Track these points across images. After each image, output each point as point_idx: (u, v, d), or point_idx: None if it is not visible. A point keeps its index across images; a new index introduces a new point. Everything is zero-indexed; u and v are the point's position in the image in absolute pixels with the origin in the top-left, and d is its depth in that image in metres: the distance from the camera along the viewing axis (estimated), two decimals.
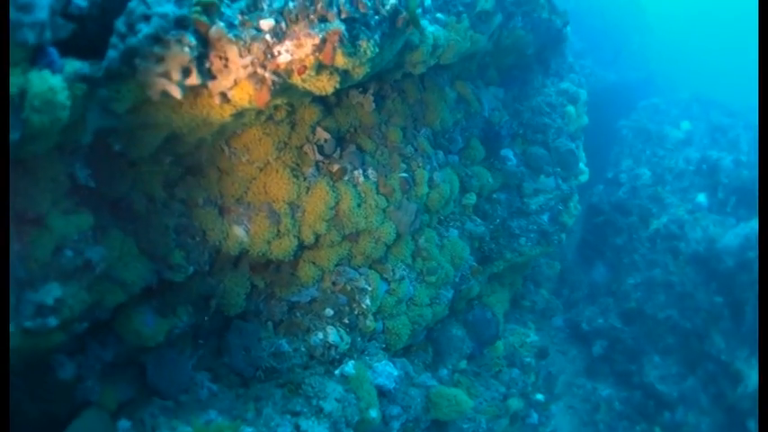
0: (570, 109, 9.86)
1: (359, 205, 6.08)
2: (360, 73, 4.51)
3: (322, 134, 5.84)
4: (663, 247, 11.36)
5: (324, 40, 3.99)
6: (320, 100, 5.85)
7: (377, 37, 4.32)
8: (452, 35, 6.08)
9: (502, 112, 8.29)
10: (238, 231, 5.58)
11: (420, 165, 6.66)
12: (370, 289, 6.51)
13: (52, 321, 3.84)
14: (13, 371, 3.85)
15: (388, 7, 4.35)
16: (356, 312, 6.52)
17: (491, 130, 8.19)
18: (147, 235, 5.02)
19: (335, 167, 5.98)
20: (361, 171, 6.16)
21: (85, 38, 3.70)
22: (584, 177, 9.84)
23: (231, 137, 5.46)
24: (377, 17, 4.32)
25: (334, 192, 5.86)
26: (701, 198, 11.55)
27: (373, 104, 6.47)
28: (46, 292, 3.81)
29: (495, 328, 8.61)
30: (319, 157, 5.88)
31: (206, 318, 5.74)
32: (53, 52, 3.45)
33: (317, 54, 4.03)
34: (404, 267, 6.87)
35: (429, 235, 7.06)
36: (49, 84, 3.34)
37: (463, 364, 8.13)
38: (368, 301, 6.47)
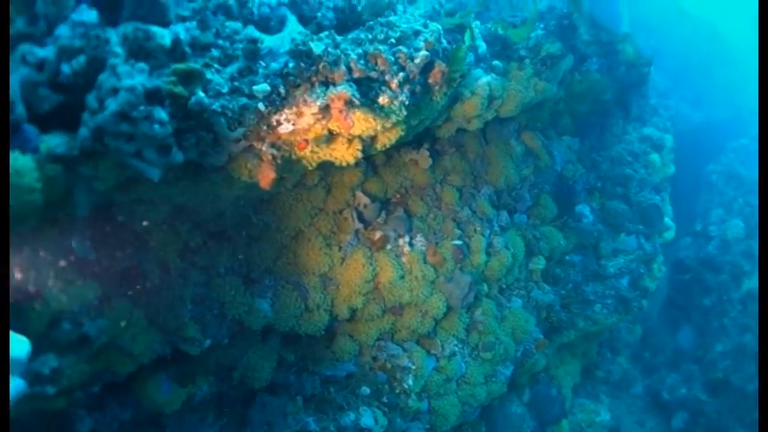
0: (654, 157, 8.70)
1: (402, 277, 5.25)
2: (392, 137, 3.67)
3: (362, 199, 5.02)
4: (755, 310, 9.90)
5: (325, 107, 3.14)
6: (365, 159, 5.02)
7: (404, 96, 3.45)
8: (513, 84, 5.15)
9: (576, 165, 7.23)
10: (262, 305, 4.82)
11: (478, 230, 5.73)
12: (413, 367, 5.70)
13: (50, 390, 3.58)
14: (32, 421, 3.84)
15: (417, 61, 3.47)
16: (397, 391, 5.70)
17: (564, 185, 7.14)
18: (158, 307, 4.50)
19: (377, 235, 5.15)
20: (407, 239, 5.31)
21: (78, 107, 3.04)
22: (669, 234, 8.63)
23: (258, 203, 4.69)
24: (403, 74, 3.44)
25: (371, 264, 5.04)
26: None
27: (430, 160, 5.61)
28: (41, 363, 3.55)
29: (560, 407, 7.49)
30: (359, 225, 5.03)
31: (230, 388, 5.21)
32: (28, 130, 3.00)
33: (323, 122, 3.19)
34: (456, 342, 6.00)
35: (487, 306, 6.08)
36: (15, 166, 2.87)
37: None
38: (410, 381, 5.68)
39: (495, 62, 5.06)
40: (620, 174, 8.08)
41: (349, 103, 3.19)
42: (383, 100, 3.36)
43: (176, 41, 3.04)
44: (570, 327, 7.41)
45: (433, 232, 5.51)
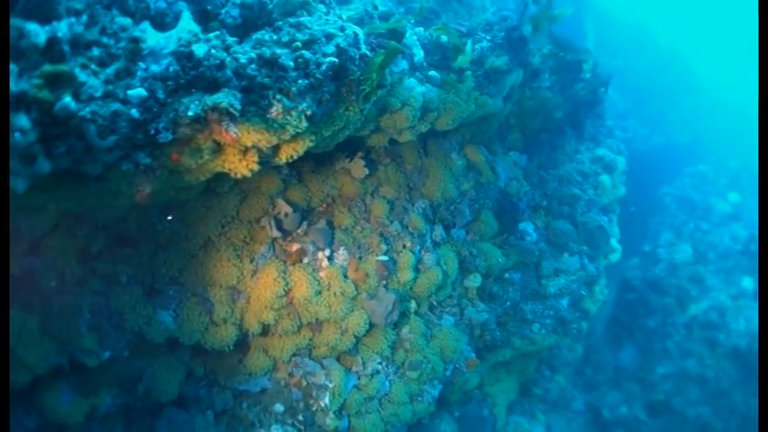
0: (605, 179, 8.48)
1: (318, 293, 4.92)
2: (298, 148, 3.33)
3: (282, 207, 4.66)
4: (700, 335, 9.76)
5: (200, 118, 2.79)
6: (289, 165, 4.68)
7: (305, 105, 3.11)
8: (451, 97, 4.84)
9: (521, 182, 6.95)
10: (164, 317, 4.48)
11: (407, 245, 5.42)
12: (330, 386, 5.39)
13: None
14: None
15: (323, 68, 3.13)
16: (314, 409, 5.36)
17: (507, 201, 6.86)
18: (53, 315, 4.17)
19: (294, 248, 4.82)
20: (327, 252, 4.97)
21: None
22: (615, 256, 8.41)
23: (166, 209, 4.33)
24: (304, 81, 3.09)
25: (284, 278, 4.69)
26: (747, 282, 9.93)
27: (366, 170, 5.29)
28: None
29: (491, 427, 7.22)
30: (276, 234, 4.69)
31: (136, 400, 4.90)
32: None
33: (205, 133, 2.84)
34: (379, 360, 5.71)
35: (415, 324, 5.78)
36: None
37: None
38: (327, 400, 5.39)
39: (432, 72, 4.74)
40: (568, 193, 7.84)
41: (226, 115, 2.84)
42: (275, 111, 3.01)
43: (53, 40, 2.67)
44: (506, 345, 7.15)
45: (358, 246, 5.19)
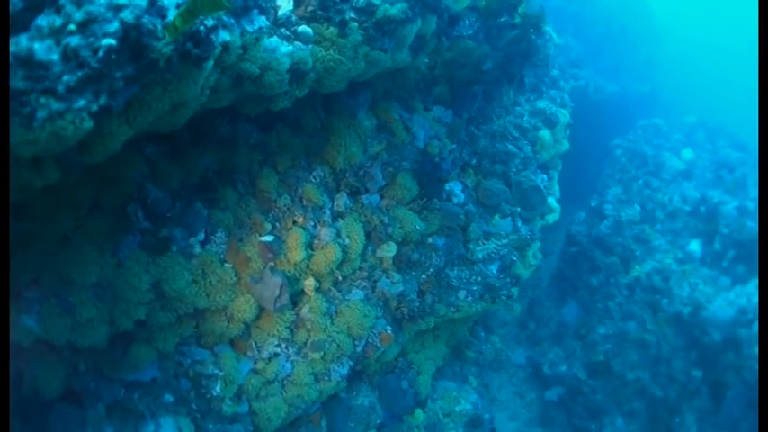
0: (545, 134, 7.73)
1: (193, 282, 4.19)
2: (109, 144, 2.54)
3: (150, 192, 3.89)
4: (642, 298, 9.21)
5: None
6: (155, 144, 3.90)
7: (83, 103, 2.31)
8: (331, 55, 3.98)
9: (444, 141, 6.18)
10: (26, 321, 3.81)
11: (299, 221, 4.68)
12: (220, 374, 4.77)
13: None
14: None
15: (101, 54, 2.29)
16: (207, 397, 4.75)
17: (429, 162, 6.11)
18: None
19: (162, 235, 4.05)
20: (201, 237, 4.23)
21: None
22: (553, 217, 7.76)
23: (17, 208, 3.57)
24: (78, 75, 2.27)
25: (148, 270, 3.96)
26: (695, 246, 9.36)
27: (253, 136, 4.50)
28: None
29: (412, 399, 6.69)
30: (143, 222, 3.95)
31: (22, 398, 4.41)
32: None
33: None
34: (277, 343, 5.07)
35: (315, 303, 5.15)
36: None
37: None
38: (218, 388, 4.83)
39: (303, 28, 3.86)
40: (502, 150, 7.11)
41: None
42: (42, 118, 2.19)
43: None
44: (430, 314, 6.55)
45: (239, 226, 4.45)
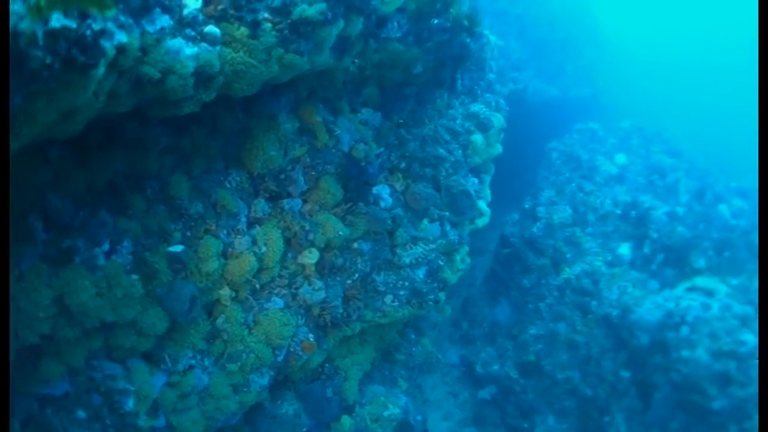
0: (477, 138, 7.67)
1: (98, 295, 3.94)
2: None
3: (53, 201, 3.63)
4: (572, 300, 9.31)
5: None
6: (70, 144, 3.63)
7: None
8: (240, 57, 3.78)
9: (370, 145, 6.04)
10: None
11: (211, 229, 4.47)
12: (132, 389, 4.51)
13: None
14: None
15: None
16: (120, 412, 4.51)
17: (354, 166, 5.96)
18: None
19: (64, 246, 3.80)
20: (106, 247, 3.98)
21: None
22: (482, 221, 7.72)
23: None
24: None
25: (50, 284, 3.70)
26: (624, 249, 9.50)
27: (164, 139, 4.25)
28: None
29: (337, 407, 6.57)
30: (43, 234, 3.68)
31: None
32: None
33: None
34: (192, 355, 4.85)
35: (231, 314, 4.95)
36: None
37: None
38: (131, 404, 4.56)
39: (210, 28, 3.64)
40: (432, 154, 7.01)
41: None
42: None
43: None
44: (356, 320, 6.42)
45: (147, 235, 4.22)
